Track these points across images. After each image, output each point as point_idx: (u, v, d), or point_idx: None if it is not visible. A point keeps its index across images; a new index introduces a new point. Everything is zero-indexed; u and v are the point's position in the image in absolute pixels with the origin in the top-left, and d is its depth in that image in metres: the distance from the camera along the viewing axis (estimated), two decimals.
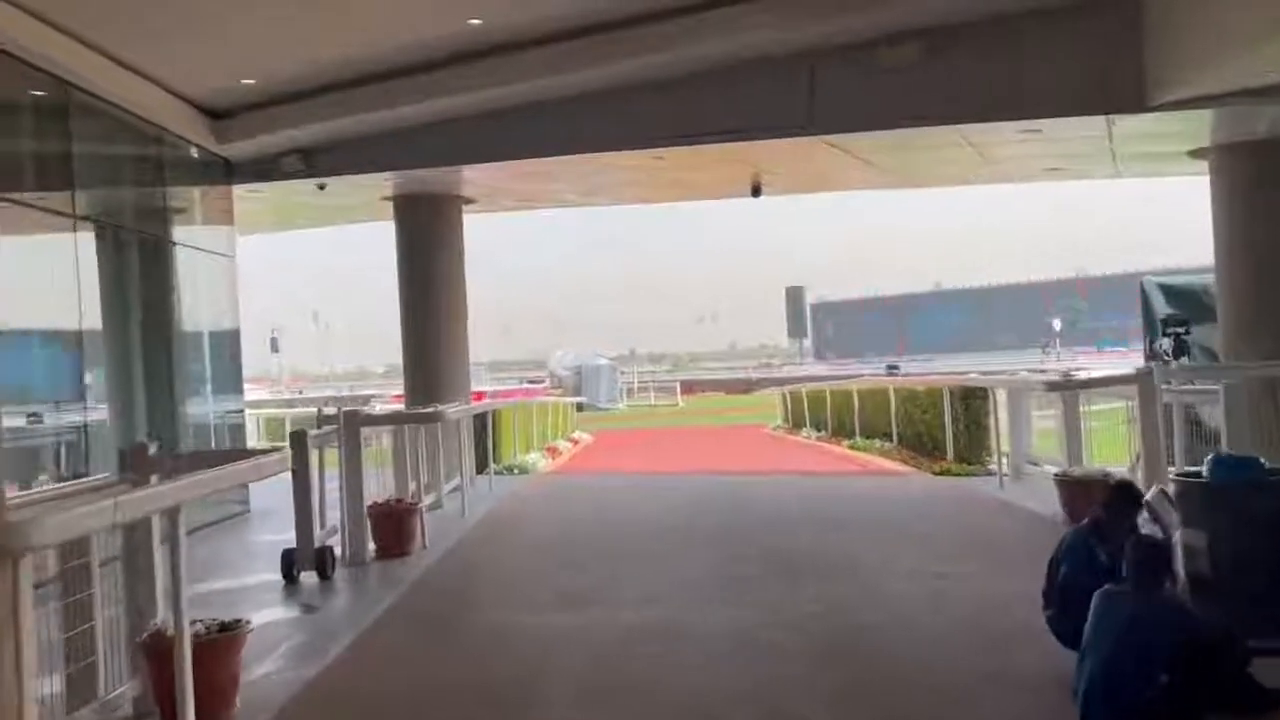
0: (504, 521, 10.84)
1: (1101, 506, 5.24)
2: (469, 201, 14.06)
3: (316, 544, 8.05)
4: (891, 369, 40.53)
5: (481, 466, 13.48)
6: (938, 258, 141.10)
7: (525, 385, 47.24)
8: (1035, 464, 11.87)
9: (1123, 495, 5.29)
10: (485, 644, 6.17)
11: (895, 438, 16.59)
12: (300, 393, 55.51)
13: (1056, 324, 69.75)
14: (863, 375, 29.16)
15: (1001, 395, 12.20)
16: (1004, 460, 11.73)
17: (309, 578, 7.92)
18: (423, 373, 13.74)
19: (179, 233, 11.25)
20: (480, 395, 29.67)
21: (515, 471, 15.30)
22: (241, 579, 8.32)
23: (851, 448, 18.09)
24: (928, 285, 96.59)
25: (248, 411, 27.64)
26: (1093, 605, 4.34)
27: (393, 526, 8.86)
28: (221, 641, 4.82)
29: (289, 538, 8.08)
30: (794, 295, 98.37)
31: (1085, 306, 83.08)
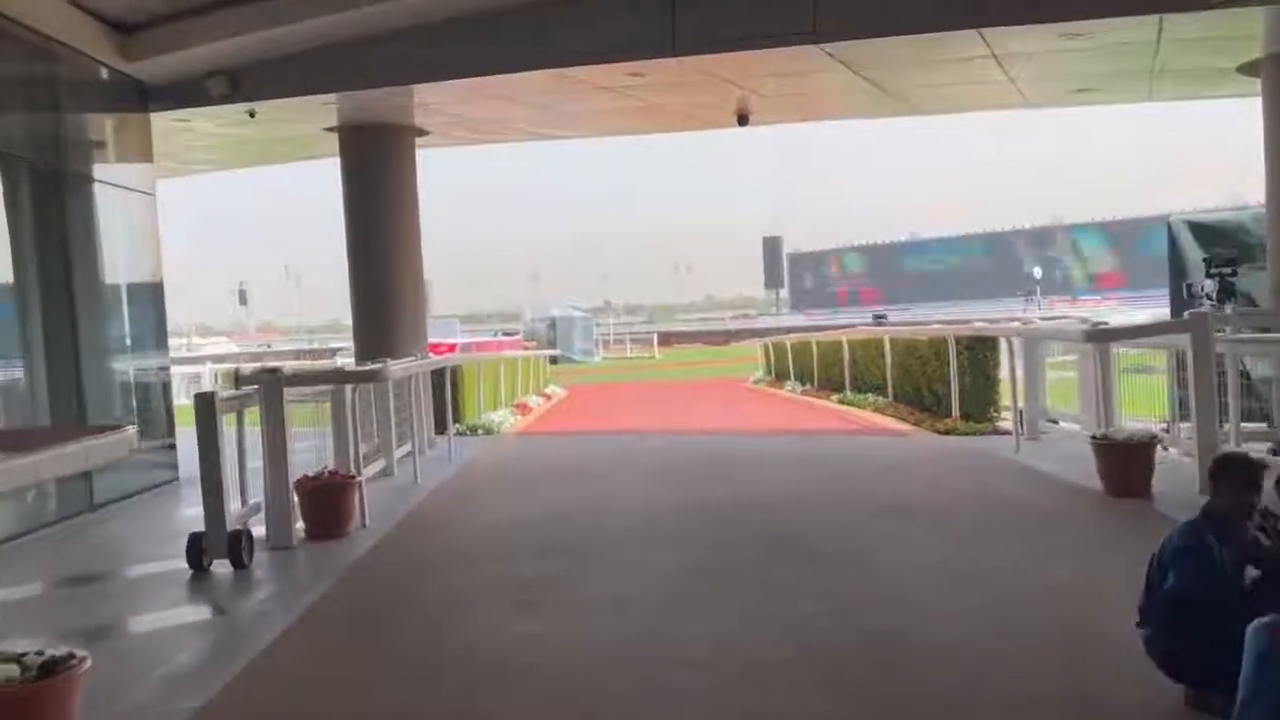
0: (459, 493, 9.61)
1: (1210, 492, 4.05)
2: (422, 133, 12.65)
3: (230, 526, 6.81)
4: (879, 318, 39.48)
5: (441, 427, 12.15)
6: (913, 206, 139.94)
7: (500, 337, 46.06)
8: (1054, 421, 10.78)
9: (1231, 472, 4.02)
10: (423, 658, 4.95)
11: (891, 393, 15.33)
12: (268, 346, 54.47)
13: (1037, 272, 69.00)
14: (855, 326, 27.77)
15: (1016, 346, 10.99)
16: (1021, 419, 10.53)
17: (222, 566, 6.72)
18: (373, 325, 12.51)
19: (83, 165, 9.81)
20: (453, 347, 28.35)
21: (480, 432, 13.99)
22: (145, 567, 7.25)
23: (842, 403, 16.85)
24: (904, 234, 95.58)
25: (210, 366, 26.62)
26: (1248, 643, 3.14)
27: (325, 504, 7.61)
28: (36, 692, 3.54)
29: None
30: (770, 245, 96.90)
31: (1065, 256, 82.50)
